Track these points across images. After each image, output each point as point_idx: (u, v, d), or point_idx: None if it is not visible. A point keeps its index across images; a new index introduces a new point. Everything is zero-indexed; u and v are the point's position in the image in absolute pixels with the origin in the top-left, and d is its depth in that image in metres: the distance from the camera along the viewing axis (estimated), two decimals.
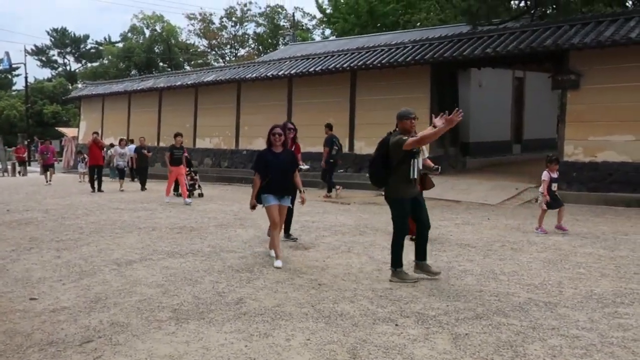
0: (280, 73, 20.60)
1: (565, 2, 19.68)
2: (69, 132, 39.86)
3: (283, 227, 7.93)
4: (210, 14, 65.28)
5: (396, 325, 4.81)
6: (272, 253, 7.25)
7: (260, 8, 66.50)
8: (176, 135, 14.44)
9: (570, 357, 4.12)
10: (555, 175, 9.54)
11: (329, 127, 15.59)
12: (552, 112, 24.75)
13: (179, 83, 25.17)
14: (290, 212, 8.18)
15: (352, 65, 18.40)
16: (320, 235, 9.25)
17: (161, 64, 59.60)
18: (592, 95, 13.84)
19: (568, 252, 7.84)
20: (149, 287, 6.02)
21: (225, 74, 23.72)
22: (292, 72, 20.23)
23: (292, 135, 8.49)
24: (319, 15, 45.34)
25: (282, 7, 57.15)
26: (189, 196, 14.52)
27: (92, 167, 17.85)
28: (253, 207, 7.29)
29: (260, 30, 56.98)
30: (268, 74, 20.99)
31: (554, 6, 19.49)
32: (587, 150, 13.99)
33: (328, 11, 41.10)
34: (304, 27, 53.64)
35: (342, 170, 18.11)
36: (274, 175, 7.03)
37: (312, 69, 19.62)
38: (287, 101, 21.22)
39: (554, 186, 9.58)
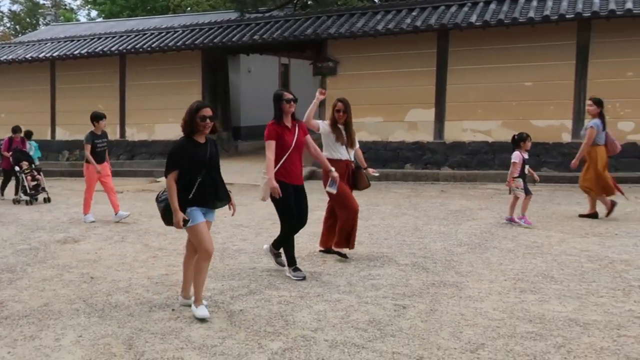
0: (41, 55, 18.96)
1: None
2: None
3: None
4: None
5: (173, 310, 4.89)
6: (192, 300, 4.86)
7: None
8: (96, 117, 9.24)
9: (333, 319, 4.60)
10: (526, 155, 8.15)
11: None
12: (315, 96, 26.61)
13: None
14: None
15: (120, 48, 17.70)
16: (92, 226, 8.87)
17: None
18: (348, 81, 15.11)
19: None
20: None
21: None
22: (55, 54, 18.76)
23: (293, 110, 6.01)
24: None
25: None
26: (30, 201, 11.54)
27: None
28: (185, 222, 4.60)
29: (16, 7, 51.03)
30: (27, 56, 19.21)
31: None
32: None
33: None
34: (67, 7, 49.43)
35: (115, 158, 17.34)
36: (202, 176, 4.67)
37: (77, 52, 18.43)
38: (50, 86, 19.64)
39: (527, 169, 8.16)
